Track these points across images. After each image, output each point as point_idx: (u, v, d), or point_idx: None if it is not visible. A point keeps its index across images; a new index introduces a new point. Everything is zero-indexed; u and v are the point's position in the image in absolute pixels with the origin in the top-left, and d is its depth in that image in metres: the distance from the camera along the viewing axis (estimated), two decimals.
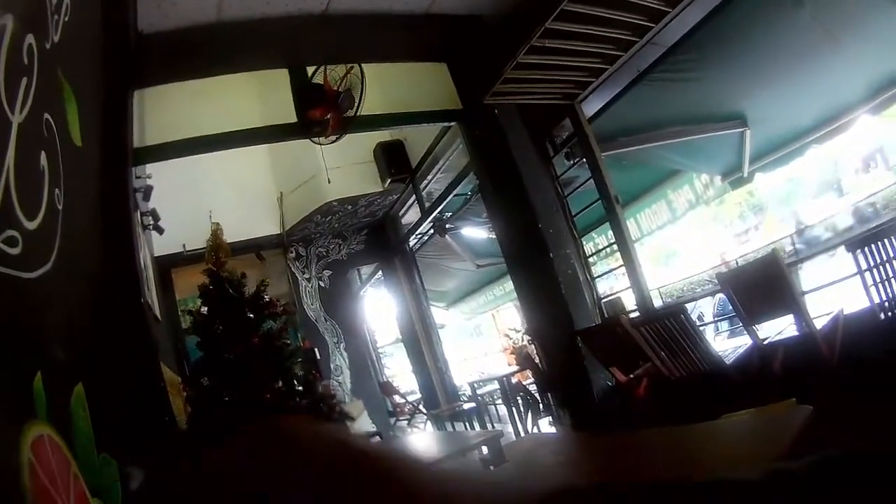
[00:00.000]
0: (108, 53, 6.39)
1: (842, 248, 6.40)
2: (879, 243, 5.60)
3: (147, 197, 8.60)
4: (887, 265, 5.62)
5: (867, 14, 8.15)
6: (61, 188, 3.65)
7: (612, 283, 11.28)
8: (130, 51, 7.48)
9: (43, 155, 3.35)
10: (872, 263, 5.69)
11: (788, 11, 7.85)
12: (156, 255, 10.61)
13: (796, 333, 6.35)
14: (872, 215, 18.96)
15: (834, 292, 7.32)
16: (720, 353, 7.23)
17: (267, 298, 8.29)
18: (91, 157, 5.28)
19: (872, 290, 5.77)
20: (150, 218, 8.87)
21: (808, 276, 9.32)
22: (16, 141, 2.88)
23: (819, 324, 6.26)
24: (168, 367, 7.57)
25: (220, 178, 12.60)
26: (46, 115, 3.51)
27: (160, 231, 9.22)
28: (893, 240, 5.57)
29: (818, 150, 11.51)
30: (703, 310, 16.71)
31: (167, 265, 12.39)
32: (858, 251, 5.76)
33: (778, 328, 7.22)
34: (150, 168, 9.01)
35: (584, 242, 9.76)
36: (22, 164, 2.92)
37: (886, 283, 5.67)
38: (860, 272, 5.75)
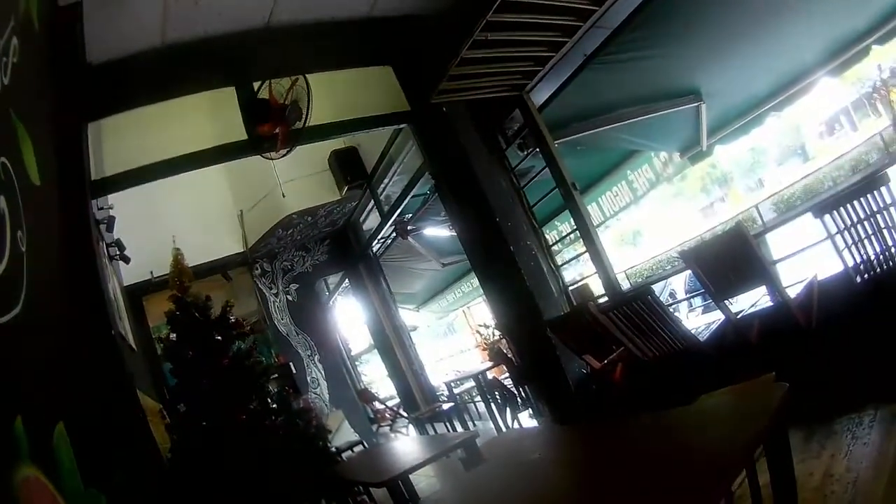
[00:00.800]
0: (58, 89, 6.45)
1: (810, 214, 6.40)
2: (848, 205, 5.58)
3: (110, 228, 8.60)
4: (858, 227, 5.60)
5: None
6: (24, 229, 3.68)
7: (580, 269, 11.27)
8: (81, 84, 7.43)
9: (2, 199, 3.36)
10: (843, 226, 5.66)
11: None
12: (125, 284, 10.59)
13: (770, 304, 6.34)
14: (841, 178, 19.09)
15: (807, 259, 7.31)
16: (693, 331, 7.22)
17: (233, 319, 8.28)
18: (51, 195, 5.35)
19: (846, 253, 5.75)
20: (116, 248, 8.87)
21: (780, 243, 9.32)
22: None
23: (793, 292, 6.25)
24: (148, 396, 7.54)
25: (180, 202, 12.56)
26: (3, 159, 3.51)
27: (126, 260, 9.19)
28: (862, 201, 5.54)
29: (779, 117, 11.54)
30: (675, 287, 16.77)
31: (138, 293, 12.38)
32: (826, 215, 5.73)
33: (751, 300, 7.22)
34: (112, 198, 9.03)
35: (547, 231, 9.76)
36: None
37: (859, 244, 5.65)
38: (830, 236, 5.72)
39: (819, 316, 5.82)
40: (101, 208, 8.32)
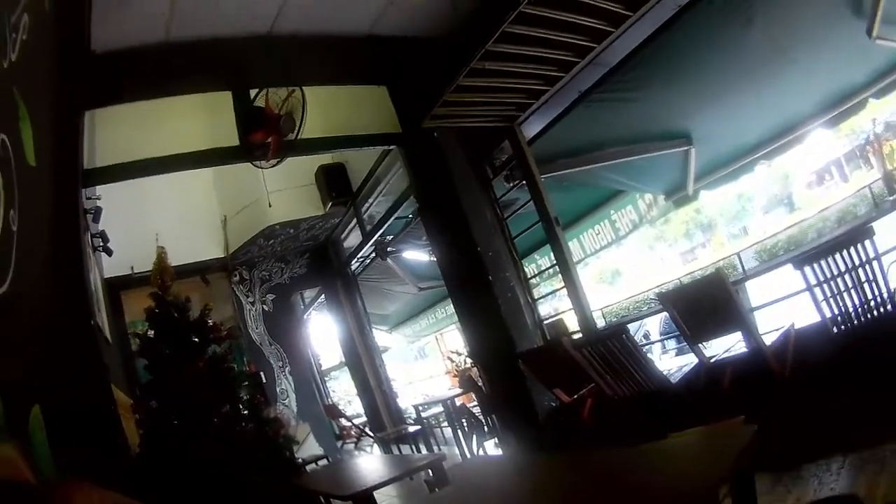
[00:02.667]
0: (62, 73, 6.38)
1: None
2: (829, 258, 5.64)
3: (97, 218, 8.61)
4: (838, 280, 5.66)
5: (819, 28, 8.25)
6: (16, 209, 3.67)
7: (556, 304, 11.32)
8: (82, 70, 7.42)
9: None
10: (822, 279, 5.72)
11: (738, 29, 7.91)
12: (105, 276, 10.53)
13: (745, 350, 6.39)
14: (826, 230, 19.14)
15: (786, 307, 7.36)
16: (665, 373, 7.26)
17: (211, 322, 8.28)
18: (44, 179, 5.26)
19: (824, 304, 5.81)
20: (100, 239, 8.86)
21: (759, 291, 9.37)
22: None
23: (770, 340, 6.31)
24: (119, 389, 7.51)
25: (166, 201, 12.55)
26: (2, 136, 3.52)
27: (109, 253, 9.17)
28: (844, 254, 5.60)
29: (768, 166, 11.60)
30: (650, 328, 16.82)
31: (117, 287, 12.28)
32: (807, 267, 5.79)
33: (726, 345, 7.27)
34: (100, 189, 9.00)
35: (526, 264, 9.83)
36: None
37: (838, 297, 5.71)
38: (809, 288, 5.78)
39: (794, 364, 5.87)
40: (89, 198, 8.30)
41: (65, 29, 6.45)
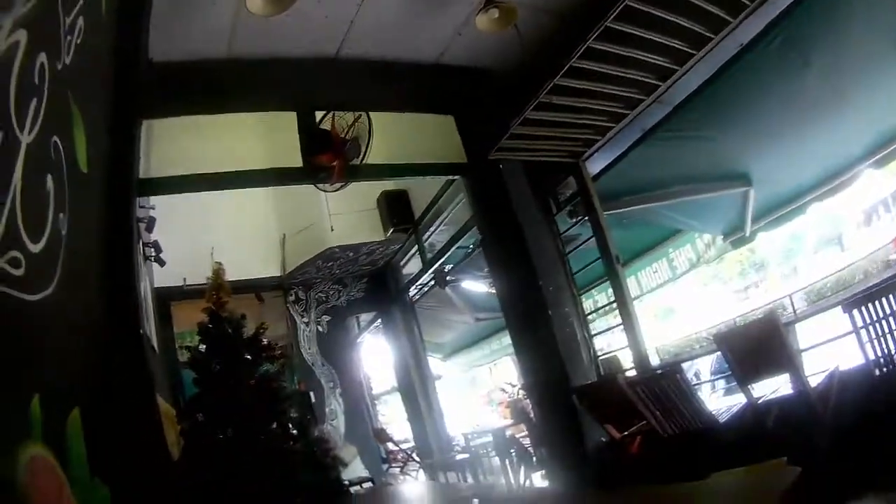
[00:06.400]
0: (118, 80, 6.42)
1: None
2: (876, 301, 5.61)
3: (150, 228, 8.61)
4: (883, 322, 5.62)
5: (874, 68, 8.16)
6: (66, 213, 3.65)
7: (609, 339, 11.27)
8: (140, 79, 7.40)
9: (49, 178, 3.38)
10: (868, 321, 5.69)
11: (795, 71, 7.88)
12: (156, 286, 10.52)
13: (791, 391, 6.36)
14: (874, 272, 18.88)
15: (832, 349, 7.31)
16: (714, 412, 7.24)
17: (265, 341, 8.25)
18: (96, 185, 5.27)
19: (868, 346, 5.77)
20: (152, 249, 8.88)
21: (806, 332, 9.28)
22: (24, 161, 2.87)
23: (815, 381, 6.27)
24: (163, 399, 7.56)
25: (223, 215, 12.54)
26: (55, 138, 3.52)
27: (161, 263, 9.19)
28: (889, 298, 5.57)
29: (820, 207, 11.49)
30: (701, 367, 16.69)
31: (166, 297, 12.32)
32: (854, 310, 5.76)
33: (773, 386, 7.23)
34: (154, 199, 9.02)
35: (584, 299, 9.75)
36: (28, 185, 2.91)
37: (882, 339, 5.67)
38: (856, 331, 5.75)
39: (836, 405, 5.83)
40: (143, 207, 8.32)
41: (121, 36, 6.49)
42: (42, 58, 3.19)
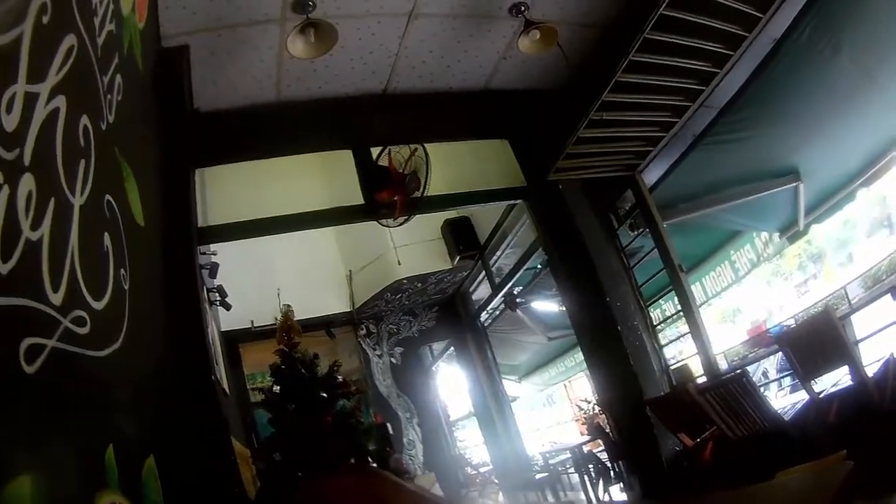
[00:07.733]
0: (165, 132, 6.64)
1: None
2: None
3: (213, 274, 8.70)
4: None
5: None
6: (126, 268, 3.80)
7: (681, 347, 11.30)
8: (188, 129, 7.63)
9: (106, 236, 3.52)
10: None
11: (827, 59, 7.88)
12: (223, 329, 10.62)
13: (850, 383, 6.40)
14: None
15: (890, 335, 7.30)
16: (780, 410, 7.29)
17: (340, 379, 8.34)
18: (154, 236, 5.44)
19: None
20: (217, 294, 8.96)
21: (865, 320, 9.24)
22: (78, 223, 2.98)
23: (873, 370, 6.32)
24: (237, 440, 7.69)
25: (287, 255, 12.75)
26: (107, 196, 3.66)
27: (227, 307, 9.21)
28: None
29: (868, 191, 11.46)
30: (767, 366, 16.57)
31: (235, 340, 12.46)
32: None
33: (834, 380, 7.26)
34: (216, 244, 9.12)
35: (652, 310, 9.81)
36: (86, 245, 3.02)
37: None
38: None
39: (893, 393, 5.87)
40: (204, 253, 8.42)
41: (163, 89, 6.72)
42: (84, 120, 3.30)
